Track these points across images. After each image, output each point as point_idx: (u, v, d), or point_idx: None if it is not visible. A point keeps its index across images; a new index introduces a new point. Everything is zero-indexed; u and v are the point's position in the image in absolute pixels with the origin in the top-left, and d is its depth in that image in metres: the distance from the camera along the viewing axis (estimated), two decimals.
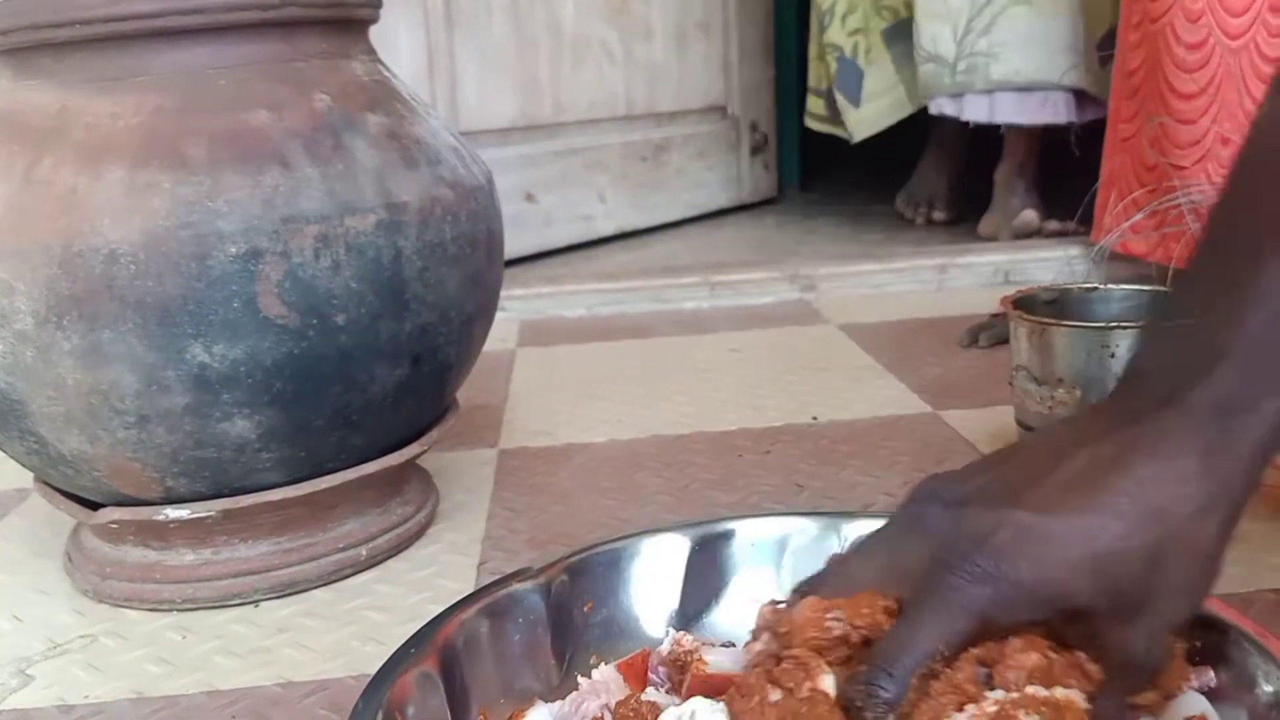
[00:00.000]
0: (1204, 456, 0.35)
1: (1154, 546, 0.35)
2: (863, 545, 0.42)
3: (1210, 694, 0.42)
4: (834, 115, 1.75)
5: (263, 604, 0.65)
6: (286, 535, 0.66)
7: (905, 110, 1.67)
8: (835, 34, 1.69)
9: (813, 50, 1.79)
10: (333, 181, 0.60)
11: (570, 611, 0.50)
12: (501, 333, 1.30)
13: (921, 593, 0.37)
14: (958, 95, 1.51)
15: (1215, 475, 0.36)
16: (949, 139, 1.74)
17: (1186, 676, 0.41)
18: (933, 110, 1.55)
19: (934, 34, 1.49)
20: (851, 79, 1.69)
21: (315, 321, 0.59)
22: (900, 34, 1.63)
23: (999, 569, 0.36)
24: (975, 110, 1.51)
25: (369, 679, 0.43)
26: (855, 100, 1.69)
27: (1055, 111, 1.47)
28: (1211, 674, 0.42)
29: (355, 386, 0.62)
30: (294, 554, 0.66)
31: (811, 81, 1.82)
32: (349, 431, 0.64)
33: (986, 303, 1.24)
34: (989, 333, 1.11)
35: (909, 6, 1.57)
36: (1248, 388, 0.35)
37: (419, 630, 0.46)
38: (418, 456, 0.71)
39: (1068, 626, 0.37)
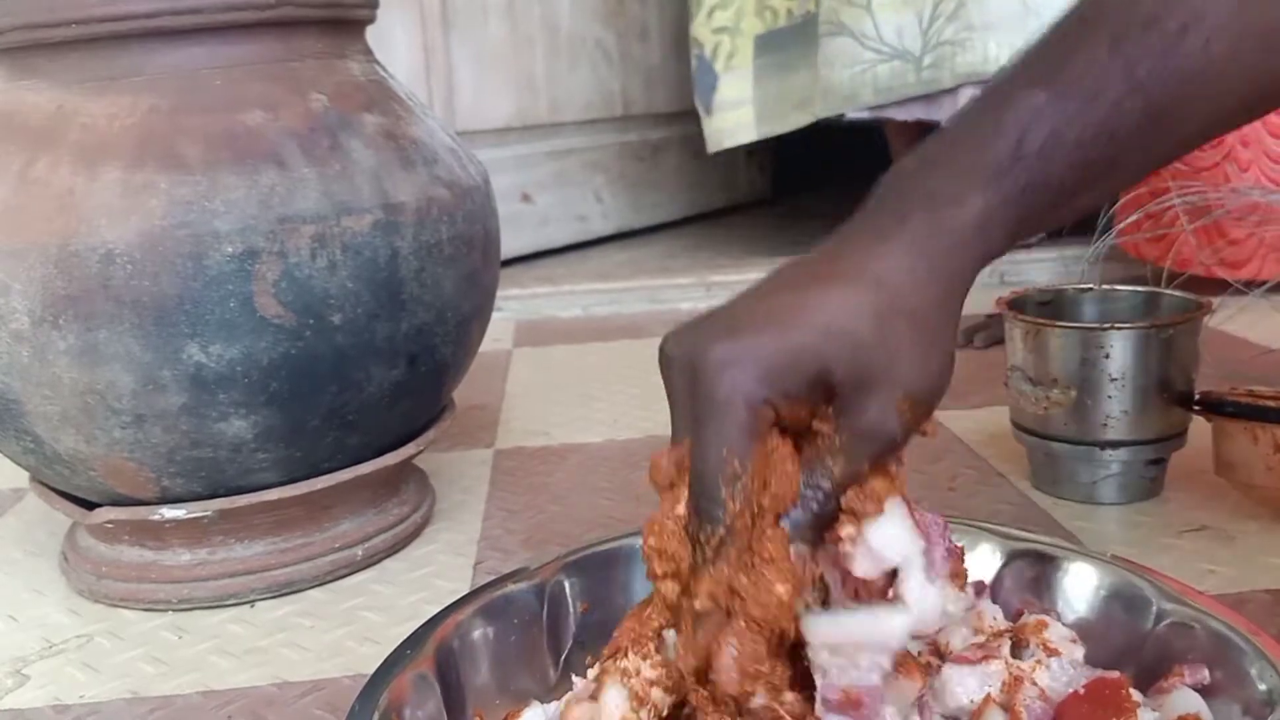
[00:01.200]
0: (914, 240, 0.38)
1: (878, 306, 0.37)
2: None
3: (1204, 691, 0.42)
4: None
5: (259, 604, 0.65)
6: (283, 535, 0.66)
7: (749, 134, 1.50)
8: (699, 28, 1.49)
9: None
10: (329, 182, 0.60)
11: (566, 612, 0.50)
12: (497, 333, 1.30)
13: (688, 409, 0.38)
14: (929, 97, 1.29)
15: (925, 253, 0.38)
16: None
17: (896, 490, 0.40)
18: (900, 117, 1.32)
19: (898, 25, 1.28)
20: (706, 82, 1.50)
21: (311, 321, 0.59)
22: (776, 43, 1.44)
23: (755, 345, 0.37)
24: (952, 111, 1.24)
25: (365, 680, 0.43)
26: (707, 106, 1.50)
27: None
28: (1205, 671, 0.43)
29: (351, 386, 0.62)
30: (290, 554, 0.66)
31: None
32: (345, 431, 0.64)
33: (982, 303, 1.24)
34: (984, 333, 1.11)
35: (793, 12, 1.39)
36: (954, 184, 0.39)
37: (415, 631, 0.46)
38: (414, 457, 0.71)
39: (813, 404, 0.38)
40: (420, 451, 0.71)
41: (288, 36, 0.63)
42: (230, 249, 0.57)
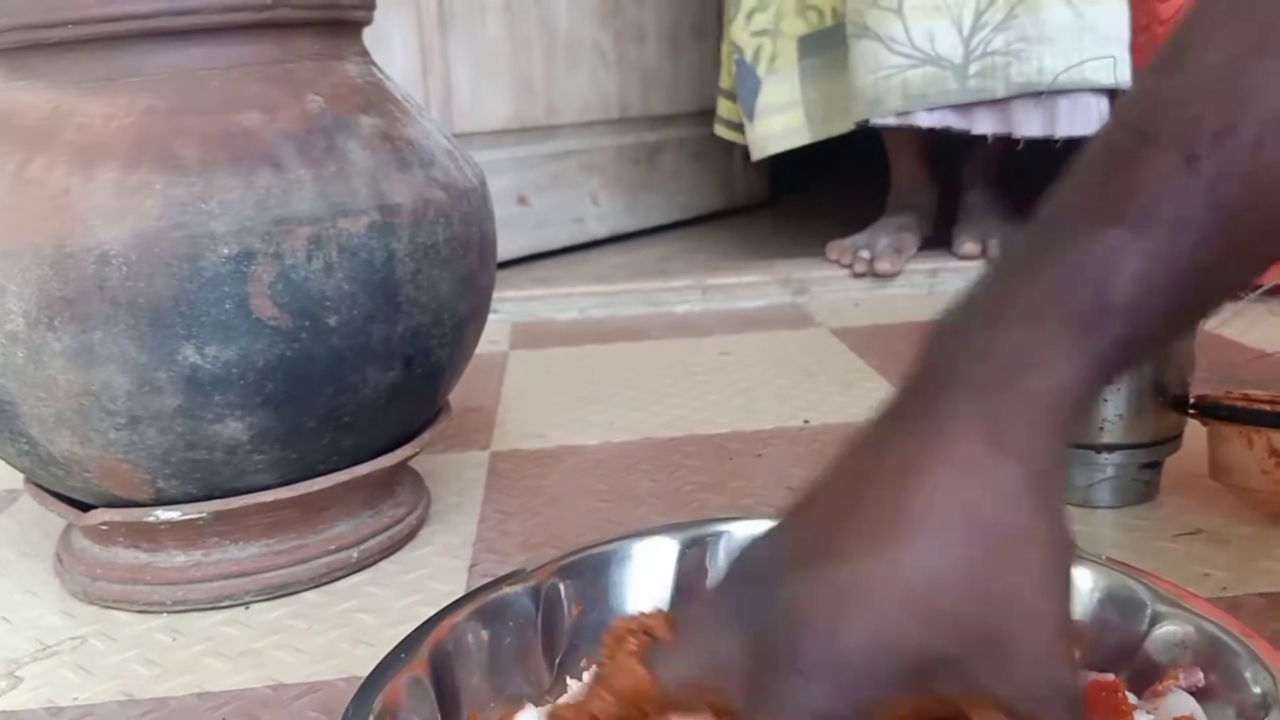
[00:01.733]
0: (992, 436, 0.30)
1: (980, 559, 0.30)
2: (678, 643, 0.36)
3: (1198, 694, 0.42)
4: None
5: (253, 606, 0.65)
6: (277, 537, 0.66)
7: (803, 137, 1.45)
8: (738, 32, 1.45)
9: (724, 48, 1.53)
10: (325, 183, 0.60)
11: (561, 614, 0.50)
12: (494, 335, 1.30)
13: (753, 705, 0.31)
14: (963, 105, 1.27)
15: (1010, 452, 0.30)
16: (916, 164, 1.50)
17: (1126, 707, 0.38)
18: (926, 123, 1.29)
19: (930, 30, 1.26)
20: (749, 87, 1.45)
21: (307, 323, 0.59)
22: (821, 44, 1.41)
23: (834, 653, 0.30)
24: (987, 122, 1.27)
25: (359, 682, 0.43)
26: (750, 112, 1.46)
27: (1088, 119, 1.23)
28: (1200, 674, 0.43)
29: (347, 388, 0.62)
30: (285, 556, 0.66)
31: (722, 83, 1.57)
32: (341, 433, 0.64)
33: None
34: None
35: (839, 12, 1.37)
36: (1030, 344, 0.31)
37: (409, 634, 0.46)
38: (410, 459, 0.70)
39: (948, 695, 0.31)
40: (416, 454, 0.70)
41: (285, 38, 0.63)
42: (226, 250, 0.57)
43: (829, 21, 1.41)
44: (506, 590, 0.49)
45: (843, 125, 1.42)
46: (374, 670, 0.43)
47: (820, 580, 0.31)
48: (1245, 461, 0.66)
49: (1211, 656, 0.43)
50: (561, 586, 0.50)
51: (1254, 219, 0.32)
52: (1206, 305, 0.35)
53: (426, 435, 0.71)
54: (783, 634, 0.31)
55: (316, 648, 0.60)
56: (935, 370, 0.33)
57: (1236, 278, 0.34)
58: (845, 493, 0.33)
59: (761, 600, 0.32)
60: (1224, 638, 0.43)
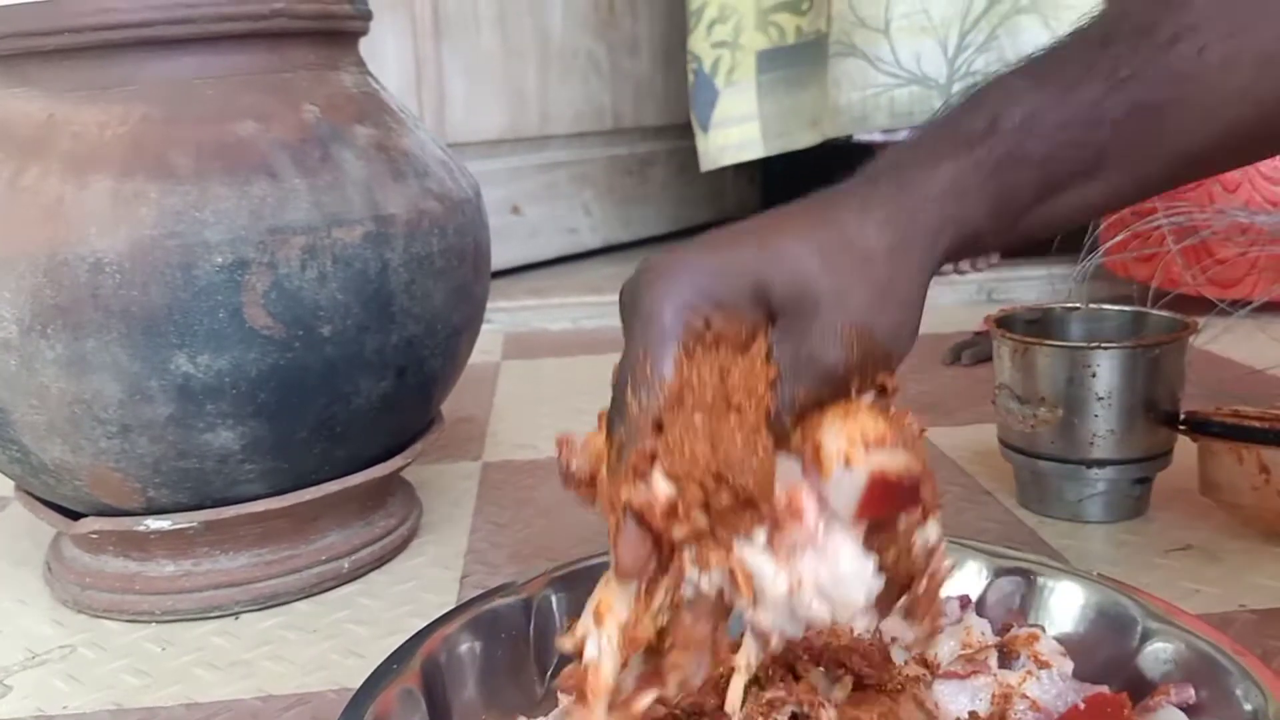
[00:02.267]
0: (876, 196, 0.38)
1: (825, 240, 0.37)
2: None
3: (1189, 710, 0.43)
4: None
5: (243, 616, 0.65)
6: (268, 547, 0.66)
7: (757, 151, 1.45)
8: (698, 42, 1.46)
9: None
10: (320, 193, 0.60)
11: (552, 627, 0.50)
12: (486, 345, 1.29)
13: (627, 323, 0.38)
14: None
15: (885, 206, 0.38)
16: None
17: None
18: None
19: (917, 51, 1.30)
20: (705, 98, 1.46)
21: (301, 333, 0.59)
22: (780, 60, 1.42)
23: (701, 258, 0.37)
24: None
25: (350, 694, 0.43)
26: (705, 123, 1.46)
27: None
28: (1191, 690, 0.43)
29: (340, 398, 0.62)
30: (275, 566, 0.65)
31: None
32: (333, 443, 0.64)
33: (970, 320, 1.25)
34: (972, 350, 1.12)
35: (801, 30, 1.38)
36: (924, 153, 0.39)
37: (400, 646, 0.46)
38: (402, 469, 0.70)
39: (740, 325, 0.37)
40: (408, 464, 0.70)
41: (281, 47, 0.64)
42: (220, 259, 0.57)
43: (790, 39, 1.42)
44: (498, 602, 0.49)
45: (801, 141, 1.43)
46: (365, 682, 0.43)
47: (695, 241, 0.39)
48: (1235, 478, 0.66)
49: (1202, 673, 0.43)
50: (553, 599, 0.50)
51: (1158, 96, 0.39)
52: (1110, 165, 0.40)
53: (419, 445, 0.71)
54: (659, 258, 0.38)
55: (307, 659, 0.60)
56: (850, 177, 0.40)
57: (1144, 149, 0.40)
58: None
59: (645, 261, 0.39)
60: (1215, 655, 0.43)
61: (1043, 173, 0.39)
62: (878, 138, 1.33)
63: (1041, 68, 0.40)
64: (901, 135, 1.29)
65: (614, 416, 0.38)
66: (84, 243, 0.56)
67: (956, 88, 1.29)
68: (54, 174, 0.58)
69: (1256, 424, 0.65)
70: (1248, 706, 0.41)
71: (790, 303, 0.37)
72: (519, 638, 0.49)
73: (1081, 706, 0.43)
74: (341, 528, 0.68)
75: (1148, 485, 0.72)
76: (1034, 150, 0.39)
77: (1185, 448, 0.70)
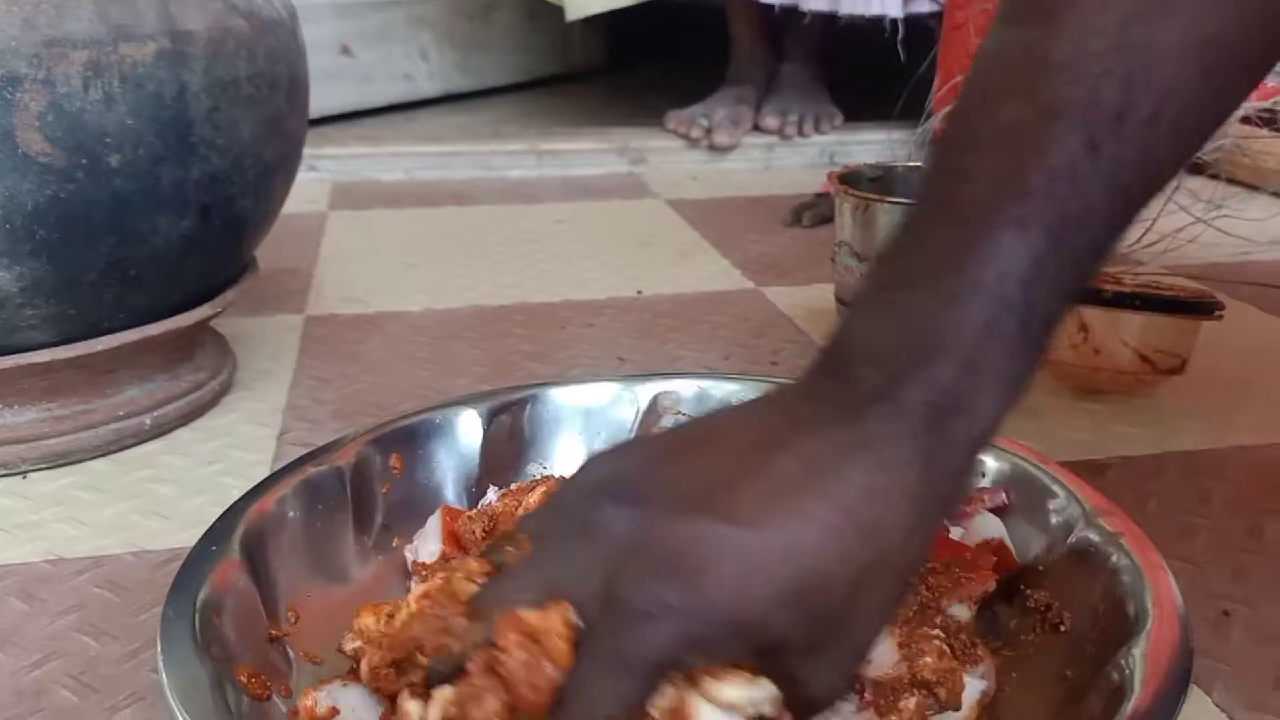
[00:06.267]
0: (922, 468, 0.31)
1: (862, 571, 0.30)
2: (526, 563, 0.32)
3: (1001, 512, 0.45)
4: None
5: (31, 475, 0.59)
6: (58, 401, 0.60)
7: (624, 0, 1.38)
8: None
9: None
10: (106, 3, 0.53)
11: (370, 490, 0.47)
12: (312, 194, 1.22)
13: (594, 639, 0.30)
14: None
15: (931, 490, 0.31)
16: (755, 37, 1.48)
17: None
18: (807, 7, 1.31)
19: None
20: None
21: (84, 162, 0.53)
22: None
23: (690, 603, 0.29)
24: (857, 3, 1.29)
25: (149, 557, 0.39)
26: None
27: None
28: (1002, 494, 0.46)
29: (134, 238, 0.56)
30: (67, 422, 0.60)
31: None
32: (128, 288, 0.58)
33: (812, 182, 1.24)
34: (812, 212, 1.11)
35: None
36: (964, 386, 0.31)
37: (216, 521, 0.42)
38: (210, 319, 0.65)
39: (755, 659, 0.31)
40: (217, 314, 0.65)
41: None
42: None
43: None
44: (312, 471, 0.45)
45: None
46: (185, 564, 0.39)
47: (702, 531, 0.30)
48: None
49: (1013, 479, 0.46)
50: (368, 461, 0.47)
51: (1144, 190, 0.33)
52: (1095, 273, 0.34)
53: (229, 294, 0.66)
54: (644, 570, 0.29)
55: (102, 520, 0.55)
56: (868, 370, 0.32)
57: (1120, 236, 0.34)
58: (750, 451, 0.32)
59: (625, 525, 0.31)
60: (1024, 465, 0.46)
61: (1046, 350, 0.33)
62: None
63: (1037, 195, 0.31)
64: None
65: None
66: None
67: None
68: None
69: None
70: (1058, 505, 0.44)
71: (799, 649, 0.30)
72: (336, 506, 0.45)
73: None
74: (143, 381, 0.63)
75: None
76: (1051, 343, 0.32)
77: None
